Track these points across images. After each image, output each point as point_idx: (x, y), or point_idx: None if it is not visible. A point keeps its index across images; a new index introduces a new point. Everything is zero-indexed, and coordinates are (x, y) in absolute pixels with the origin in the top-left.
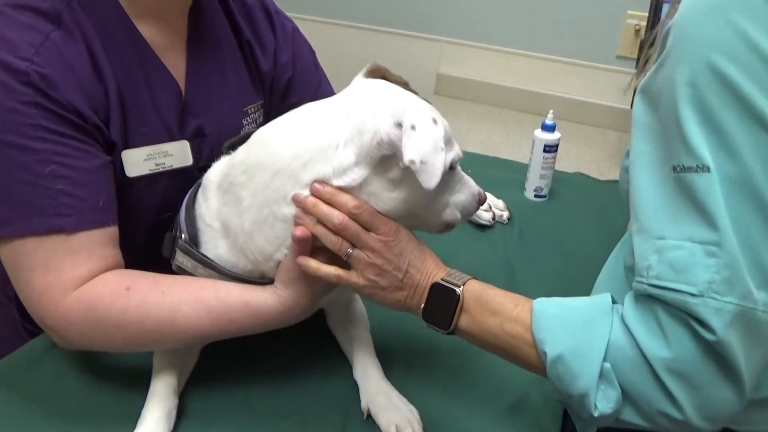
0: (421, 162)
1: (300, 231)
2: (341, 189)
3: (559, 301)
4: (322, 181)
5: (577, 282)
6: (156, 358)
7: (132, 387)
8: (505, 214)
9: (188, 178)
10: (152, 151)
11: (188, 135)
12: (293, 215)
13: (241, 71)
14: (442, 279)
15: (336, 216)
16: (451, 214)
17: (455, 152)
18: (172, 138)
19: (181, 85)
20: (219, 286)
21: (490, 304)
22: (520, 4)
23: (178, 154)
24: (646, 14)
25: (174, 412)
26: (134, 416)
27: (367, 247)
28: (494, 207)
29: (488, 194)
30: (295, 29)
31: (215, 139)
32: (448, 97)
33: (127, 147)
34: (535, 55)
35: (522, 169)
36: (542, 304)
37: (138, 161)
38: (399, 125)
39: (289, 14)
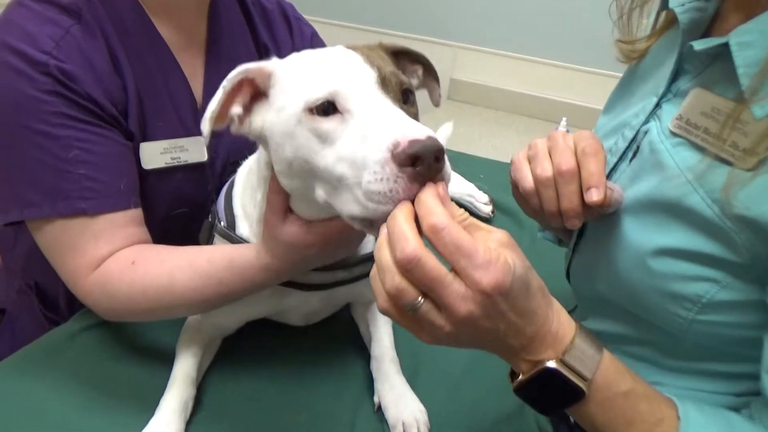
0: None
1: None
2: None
3: (713, 419)
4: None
5: None
6: (178, 348)
7: (151, 376)
8: (488, 208)
9: (202, 175)
10: (169, 145)
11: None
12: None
13: None
14: (563, 361)
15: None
16: (344, 202)
17: (313, 89)
18: (188, 134)
19: (197, 84)
20: (212, 249)
21: (626, 411)
22: (536, 12)
23: (193, 149)
24: None
25: (191, 403)
26: (152, 404)
27: (447, 308)
28: (476, 201)
29: (471, 185)
30: (314, 34)
31: (231, 139)
32: (461, 102)
33: (144, 140)
34: (550, 62)
35: None
36: (694, 422)
37: (154, 154)
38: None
39: (305, 17)
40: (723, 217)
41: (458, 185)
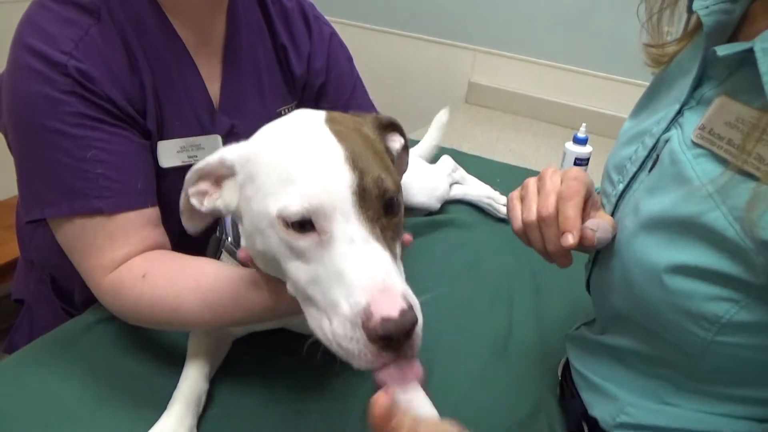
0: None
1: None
2: None
3: None
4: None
5: None
6: (190, 344)
7: (164, 370)
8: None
9: None
10: (186, 144)
11: (221, 133)
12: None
13: (275, 73)
14: None
15: None
16: (315, 319)
17: (288, 198)
18: (205, 132)
19: (214, 84)
20: (218, 277)
21: None
22: (556, 17)
23: (210, 148)
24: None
25: (203, 398)
26: (165, 399)
27: None
28: (495, 202)
29: (487, 186)
30: (333, 34)
31: (247, 138)
32: (479, 106)
33: (161, 138)
34: (569, 68)
35: None
36: None
37: (171, 152)
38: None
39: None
40: (744, 236)
41: (477, 188)
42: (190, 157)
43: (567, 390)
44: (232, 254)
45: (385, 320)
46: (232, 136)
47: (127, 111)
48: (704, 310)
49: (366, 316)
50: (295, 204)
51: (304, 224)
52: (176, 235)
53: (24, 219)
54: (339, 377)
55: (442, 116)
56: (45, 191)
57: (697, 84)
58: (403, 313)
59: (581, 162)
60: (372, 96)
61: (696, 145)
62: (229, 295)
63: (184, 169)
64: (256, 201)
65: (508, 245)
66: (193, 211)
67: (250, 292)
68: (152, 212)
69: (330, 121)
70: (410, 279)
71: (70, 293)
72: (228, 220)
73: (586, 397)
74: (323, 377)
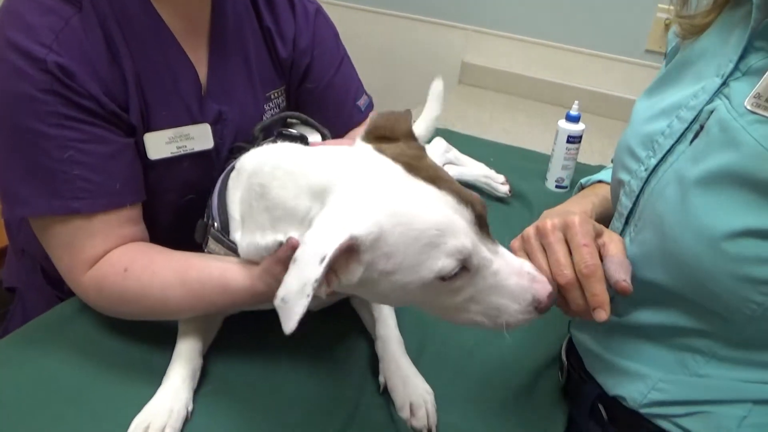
0: (282, 300)
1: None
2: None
3: None
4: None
5: None
6: (181, 323)
7: (159, 348)
8: (505, 188)
9: (209, 162)
10: (174, 134)
11: (209, 120)
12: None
13: (263, 57)
14: None
15: None
16: (472, 319)
17: (443, 262)
18: (194, 121)
19: (201, 70)
20: (203, 267)
21: None
22: None
23: (199, 137)
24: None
25: (198, 373)
26: (161, 375)
27: None
28: (493, 182)
29: (483, 166)
30: (318, 10)
31: (237, 124)
32: (472, 86)
33: (149, 130)
34: (562, 46)
35: (544, 159)
36: None
37: (160, 144)
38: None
39: None
40: None
41: (473, 168)
42: (179, 147)
43: (575, 374)
44: (219, 241)
45: (550, 296)
46: (220, 122)
47: (109, 107)
48: (766, 274)
49: (536, 303)
50: (450, 264)
51: (458, 272)
52: (166, 225)
53: (5, 213)
54: (333, 358)
55: (437, 86)
56: (22, 190)
57: (743, 56)
58: (548, 280)
59: (574, 140)
60: (363, 77)
61: (751, 112)
62: (215, 288)
63: (173, 161)
64: (402, 273)
65: (507, 225)
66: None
67: (236, 281)
68: (132, 212)
69: (410, 170)
70: None
71: (61, 281)
72: (215, 206)
73: (605, 378)
74: (317, 358)
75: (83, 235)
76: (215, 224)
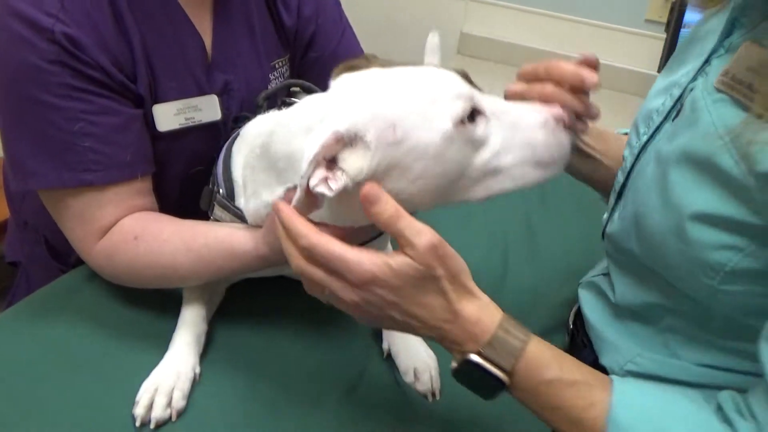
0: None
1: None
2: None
3: (651, 406)
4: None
5: (598, 241)
6: (185, 290)
7: (165, 315)
8: None
9: (216, 133)
10: (182, 106)
11: (216, 90)
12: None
13: (267, 26)
14: (481, 353)
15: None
16: (512, 175)
17: (451, 105)
18: (201, 92)
19: (207, 40)
20: (210, 233)
21: (550, 398)
22: None
23: (207, 108)
24: None
25: (203, 338)
26: (168, 341)
27: (338, 298)
28: None
29: None
30: None
31: (243, 94)
32: (471, 57)
33: (156, 101)
34: (561, 16)
35: None
36: (626, 414)
37: (168, 116)
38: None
39: None
40: (747, 174)
41: None
42: (187, 119)
43: (578, 339)
44: (225, 207)
45: (565, 110)
46: (226, 93)
47: (117, 78)
48: (711, 259)
49: (559, 119)
50: (459, 105)
51: (472, 115)
52: (174, 196)
53: (12, 185)
54: (337, 326)
55: (432, 39)
56: (32, 162)
57: (728, 33)
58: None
59: None
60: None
61: (718, 90)
62: (221, 252)
63: (181, 132)
64: (416, 135)
65: (504, 195)
66: (311, 203)
67: (241, 244)
68: (142, 183)
69: (385, 65)
70: None
71: (65, 254)
72: (220, 173)
73: (597, 345)
74: (321, 326)
75: (94, 207)
76: (221, 191)
